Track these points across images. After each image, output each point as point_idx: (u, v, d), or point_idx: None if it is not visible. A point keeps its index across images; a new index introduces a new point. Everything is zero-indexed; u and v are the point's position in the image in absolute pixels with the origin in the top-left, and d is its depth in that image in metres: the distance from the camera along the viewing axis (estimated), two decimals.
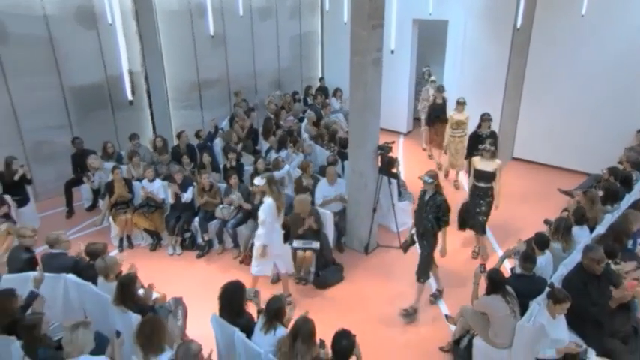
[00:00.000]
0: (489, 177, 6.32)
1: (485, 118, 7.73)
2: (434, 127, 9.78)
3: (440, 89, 9.70)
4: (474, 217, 6.52)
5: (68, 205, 8.09)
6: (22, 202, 7.32)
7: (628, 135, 8.25)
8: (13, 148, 7.96)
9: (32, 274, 4.77)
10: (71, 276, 4.92)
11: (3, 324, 3.97)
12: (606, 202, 5.98)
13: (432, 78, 10.45)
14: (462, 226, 6.63)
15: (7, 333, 3.98)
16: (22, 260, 5.15)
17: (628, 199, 6.02)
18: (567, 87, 8.97)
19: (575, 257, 4.83)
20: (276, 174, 7.30)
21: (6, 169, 7.21)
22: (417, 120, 11.62)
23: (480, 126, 7.82)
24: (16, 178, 7.19)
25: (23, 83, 8.08)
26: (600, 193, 6.04)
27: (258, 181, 5.77)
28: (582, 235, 5.29)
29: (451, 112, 8.71)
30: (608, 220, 5.48)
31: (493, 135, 7.59)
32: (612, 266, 4.59)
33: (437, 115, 9.56)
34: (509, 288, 4.42)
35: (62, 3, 8.27)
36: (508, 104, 9.34)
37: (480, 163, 6.40)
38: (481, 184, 6.40)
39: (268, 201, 5.47)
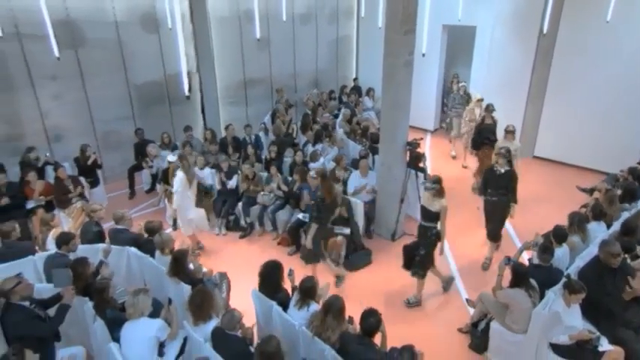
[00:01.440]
0: (432, 217, 5.10)
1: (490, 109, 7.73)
2: (482, 151, 7.81)
3: (489, 109, 7.94)
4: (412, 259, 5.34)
5: (130, 187, 8.34)
6: (94, 183, 7.59)
7: None
8: (86, 137, 8.29)
9: (101, 245, 5.01)
10: (133, 249, 5.09)
11: (79, 287, 4.15)
12: (624, 200, 5.74)
13: (462, 83, 9.76)
14: (405, 266, 5.47)
15: (82, 294, 4.19)
16: (93, 233, 5.36)
17: None
18: (589, 90, 8.56)
19: (591, 250, 4.67)
20: (312, 165, 7.35)
21: (81, 155, 7.52)
22: (441, 128, 11.36)
23: (484, 118, 7.82)
24: (89, 162, 7.52)
25: (96, 81, 8.36)
26: (619, 192, 5.79)
27: (171, 157, 6.50)
28: (599, 231, 5.11)
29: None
30: (625, 217, 5.26)
31: (437, 180, 5.16)
32: (629, 261, 4.41)
33: (486, 137, 7.76)
34: (532, 281, 4.31)
35: (130, 10, 8.50)
36: (531, 105, 9.02)
37: (424, 198, 5.37)
38: (423, 222, 5.24)
39: (180, 174, 6.10)
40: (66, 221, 6.49)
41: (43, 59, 7.41)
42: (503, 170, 5.77)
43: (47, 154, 7.53)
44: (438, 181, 5.04)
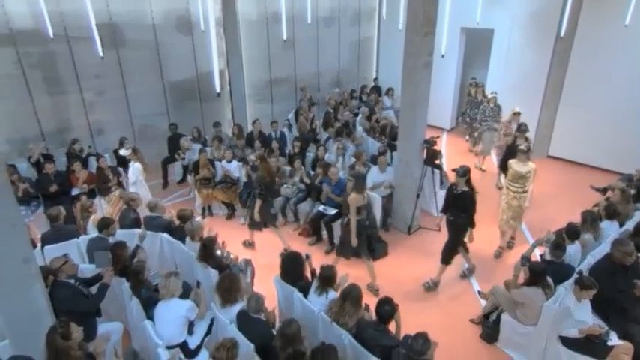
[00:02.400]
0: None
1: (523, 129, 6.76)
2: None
3: (522, 129, 6.77)
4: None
5: (164, 178, 8.48)
6: None
7: None
8: (125, 130, 8.49)
9: (137, 231, 5.11)
10: (165, 235, 5.18)
11: (117, 268, 4.27)
12: (638, 200, 5.56)
13: (493, 94, 8.48)
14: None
15: (120, 275, 4.31)
16: (130, 220, 5.48)
17: None
18: (604, 92, 8.26)
19: (603, 248, 4.56)
20: (327, 156, 7.47)
21: (120, 147, 7.68)
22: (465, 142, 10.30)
23: (516, 138, 6.75)
24: (126, 154, 7.69)
25: (134, 79, 8.54)
26: (632, 192, 5.60)
27: (124, 151, 6.71)
28: (611, 229, 4.98)
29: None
30: (638, 216, 5.13)
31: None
32: None
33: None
34: (548, 279, 4.23)
35: (166, 14, 8.63)
36: (546, 107, 8.77)
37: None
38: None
39: (136, 165, 6.47)
40: (102, 208, 6.68)
41: (89, 59, 7.62)
42: (460, 190, 5.13)
43: (89, 147, 7.76)
44: (466, 171, 5.08)
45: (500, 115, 8.41)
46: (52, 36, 6.85)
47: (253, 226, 6.31)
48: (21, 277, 3.31)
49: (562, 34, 7.45)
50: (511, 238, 6.38)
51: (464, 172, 5.08)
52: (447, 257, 5.42)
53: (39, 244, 4.93)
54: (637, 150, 7.76)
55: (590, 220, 4.94)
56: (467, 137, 10.21)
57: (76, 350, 3.25)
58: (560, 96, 8.82)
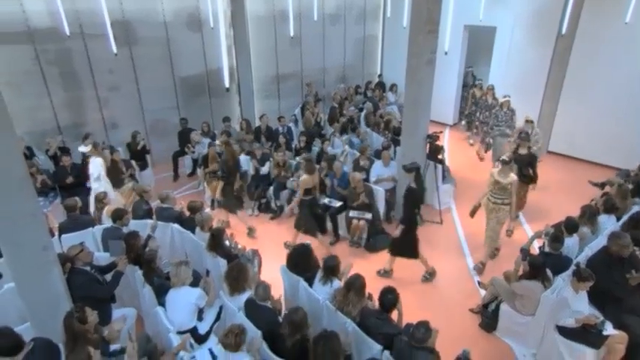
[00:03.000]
0: None
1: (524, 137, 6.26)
2: None
3: (522, 136, 6.16)
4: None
5: (175, 171, 8.51)
6: (143, 166, 7.80)
7: None
8: (137, 124, 8.53)
9: (149, 221, 5.15)
10: (176, 225, 5.21)
11: (130, 257, 4.30)
12: (636, 194, 5.52)
13: (507, 97, 7.84)
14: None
15: (133, 263, 4.35)
16: (143, 210, 5.53)
17: None
18: (604, 89, 8.17)
19: (600, 241, 4.53)
20: (330, 149, 7.52)
21: (132, 141, 7.75)
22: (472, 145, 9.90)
23: (518, 146, 6.22)
24: (139, 148, 7.74)
25: (146, 75, 8.55)
26: (630, 187, 5.56)
27: (83, 148, 6.61)
28: (609, 223, 4.96)
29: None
30: (635, 211, 5.06)
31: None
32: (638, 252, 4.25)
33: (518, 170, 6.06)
34: (548, 272, 4.22)
35: (177, 12, 8.61)
36: (547, 103, 8.67)
37: None
38: None
39: (97, 159, 6.26)
40: (116, 199, 6.71)
41: (103, 55, 7.65)
42: (407, 186, 5.02)
43: (104, 140, 7.81)
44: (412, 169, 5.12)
45: (514, 120, 7.74)
46: (68, 33, 6.87)
47: (223, 205, 6.68)
48: (40, 264, 3.37)
49: (563, 31, 7.35)
50: (507, 230, 6.34)
51: (409, 169, 5.05)
52: (413, 253, 5.33)
53: (56, 233, 4.98)
54: (636, 146, 7.67)
55: (589, 214, 4.93)
56: (471, 141, 9.91)
57: (92, 334, 3.31)
58: (561, 92, 8.72)
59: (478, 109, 9.19)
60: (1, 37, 6.85)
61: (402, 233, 5.20)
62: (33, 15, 7.10)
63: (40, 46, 7.28)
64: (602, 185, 6.38)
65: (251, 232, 6.57)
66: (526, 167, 6.01)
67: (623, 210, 5.22)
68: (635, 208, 5.16)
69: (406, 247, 5.31)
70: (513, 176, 5.29)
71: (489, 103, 8.72)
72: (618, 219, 5.06)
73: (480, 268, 5.65)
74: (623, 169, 6.96)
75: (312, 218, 5.93)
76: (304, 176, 5.75)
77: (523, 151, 5.99)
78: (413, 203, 5.15)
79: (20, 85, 7.19)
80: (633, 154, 7.21)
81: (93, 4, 6.88)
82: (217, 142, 7.49)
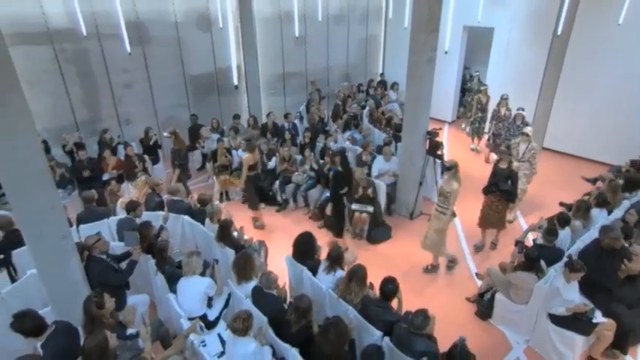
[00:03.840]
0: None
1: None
2: (488, 198, 5.63)
3: (503, 151, 5.66)
4: None
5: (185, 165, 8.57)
6: (155, 161, 7.82)
7: None
8: (149, 120, 8.56)
9: (161, 213, 5.19)
10: (187, 217, 5.24)
11: (144, 246, 4.36)
12: (626, 189, 5.49)
13: (520, 111, 7.20)
14: None
15: (146, 253, 4.40)
16: (155, 203, 5.55)
17: None
18: (597, 88, 8.10)
19: (592, 234, 4.54)
20: (332, 145, 7.52)
21: (145, 136, 7.77)
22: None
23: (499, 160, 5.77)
24: (151, 143, 7.76)
25: (158, 73, 8.56)
26: (621, 182, 5.54)
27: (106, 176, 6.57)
28: (601, 217, 4.95)
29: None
30: (625, 205, 5.07)
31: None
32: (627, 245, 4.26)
33: (494, 183, 5.51)
34: (542, 264, 4.23)
35: (187, 12, 8.59)
36: (542, 101, 8.61)
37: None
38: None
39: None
40: (128, 191, 6.76)
41: (117, 55, 7.65)
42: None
43: (118, 136, 7.85)
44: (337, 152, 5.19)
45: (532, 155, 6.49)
46: (85, 34, 6.88)
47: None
48: (60, 252, 3.42)
49: (559, 32, 7.28)
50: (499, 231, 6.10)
51: (334, 153, 5.40)
52: (338, 230, 5.75)
53: (74, 224, 5.02)
54: (627, 143, 7.61)
55: (584, 208, 4.93)
56: (472, 145, 9.31)
57: (109, 318, 3.37)
58: (556, 91, 8.66)
59: (493, 122, 8.10)
60: (23, 37, 6.87)
61: (331, 211, 5.78)
62: (52, 16, 7.12)
63: (58, 46, 7.31)
64: (594, 181, 6.36)
65: (255, 221, 6.61)
66: (504, 182, 5.41)
67: (614, 204, 5.21)
68: (625, 203, 5.15)
69: (334, 223, 5.70)
70: (455, 185, 4.90)
71: (502, 114, 7.96)
72: (609, 213, 5.05)
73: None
74: (614, 165, 6.93)
75: (255, 193, 6.38)
76: (246, 155, 6.11)
77: (503, 165, 5.50)
78: (339, 184, 5.55)
79: (40, 84, 7.22)
80: (624, 151, 7.16)
81: (108, 5, 6.88)
82: (225, 138, 7.58)
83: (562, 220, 4.67)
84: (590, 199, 5.29)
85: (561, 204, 5.77)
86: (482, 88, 9.13)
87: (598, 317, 3.95)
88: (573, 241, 4.65)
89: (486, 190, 5.65)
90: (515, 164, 5.69)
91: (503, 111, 8.01)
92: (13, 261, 4.44)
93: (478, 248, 5.92)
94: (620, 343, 4.04)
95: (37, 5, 6.94)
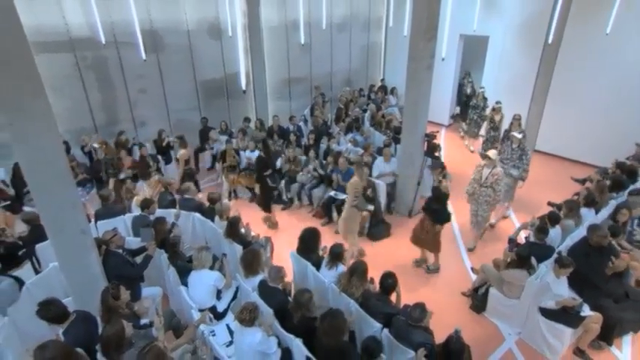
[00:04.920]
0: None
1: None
2: (423, 217, 5.20)
3: (434, 165, 5.60)
4: None
5: (195, 165, 8.44)
6: (167, 161, 7.86)
7: (636, 134, 7.33)
8: (163, 123, 8.59)
9: (173, 210, 5.21)
10: (197, 214, 5.26)
11: (157, 240, 4.39)
12: (612, 190, 5.51)
13: (521, 133, 6.16)
14: None
15: (159, 247, 4.42)
16: (168, 201, 5.61)
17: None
18: (587, 94, 8.11)
19: (580, 232, 4.53)
20: (336, 147, 7.51)
21: (158, 138, 7.81)
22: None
23: (511, 124, 6.63)
24: (164, 144, 7.82)
25: (171, 78, 8.60)
26: (608, 183, 5.55)
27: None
28: (589, 216, 4.96)
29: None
30: (613, 205, 5.08)
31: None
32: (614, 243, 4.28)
33: (427, 202, 5.08)
34: (533, 261, 4.23)
35: (199, 21, 8.62)
36: (534, 106, 8.56)
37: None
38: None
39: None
40: (142, 190, 6.80)
41: (133, 61, 7.69)
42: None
43: (134, 137, 7.90)
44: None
45: (525, 159, 6.07)
46: (103, 42, 6.95)
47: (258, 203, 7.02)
48: (79, 247, 3.46)
49: (550, 41, 7.28)
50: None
51: (257, 141, 6.22)
52: (266, 206, 6.37)
53: (93, 220, 5.06)
54: (614, 145, 7.61)
55: (577, 208, 4.96)
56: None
57: (124, 308, 3.40)
58: (547, 96, 8.64)
59: (503, 144, 6.85)
60: (47, 46, 6.96)
61: (259, 190, 6.41)
62: (74, 26, 7.20)
63: (79, 53, 7.38)
64: (583, 181, 6.34)
65: (268, 221, 6.60)
66: (435, 202, 4.97)
67: (601, 204, 5.21)
68: (612, 203, 5.16)
69: (262, 201, 6.32)
70: (355, 179, 5.13)
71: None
72: (597, 212, 5.05)
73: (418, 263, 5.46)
74: (601, 166, 6.91)
75: (270, 195, 6.61)
76: (182, 151, 6.59)
77: (435, 183, 5.16)
78: (262, 168, 6.32)
79: (62, 89, 7.30)
80: (611, 153, 7.17)
81: (125, 15, 6.94)
82: (234, 139, 7.61)
83: (553, 219, 4.67)
84: (579, 199, 5.28)
85: (549, 204, 5.75)
86: (496, 105, 8.25)
87: (586, 311, 3.96)
88: (563, 239, 4.64)
89: (423, 208, 5.19)
90: (444, 184, 4.91)
91: (504, 132, 7.03)
92: (37, 254, 4.50)
93: (418, 263, 5.48)
94: (606, 335, 4.05)
95: (61, 16, 7.03)
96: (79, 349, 2.88)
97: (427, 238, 5.14)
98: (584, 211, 5.02)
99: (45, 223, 3.38)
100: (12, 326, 3.52)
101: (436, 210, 4.92)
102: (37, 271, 4.42)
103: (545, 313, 4.01)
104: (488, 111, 8.49)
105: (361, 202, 5.26)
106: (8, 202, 5.87)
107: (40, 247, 4.45)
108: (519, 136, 5.85)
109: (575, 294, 4.07)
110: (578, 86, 8.17)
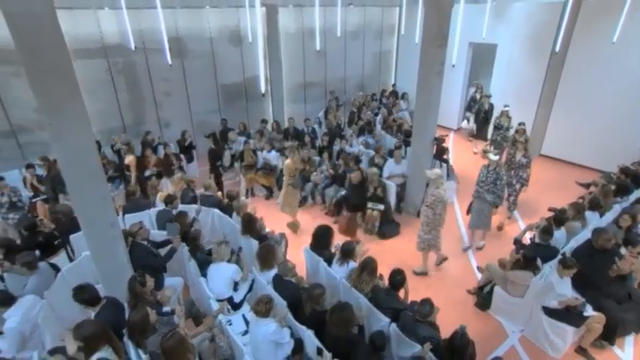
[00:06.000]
0: None
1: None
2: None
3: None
4: None
5: (216, 164, 8.69)
6: (190, 159, 7.99)
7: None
8: (186, 124, 8.76)
9: (194, 206, 5.28)
10: (216, 210, 5.33)
11: (180, 233, 4.44)
12: (617, 194, 5.39)
13: (522, 125, 6.13)
14: None
15: (181, 240, 4.45)
16: (190, 197, 5.69)
17: (636, 193, 5.40)
18: (592, 101, 7.89)
19: (585, 234, 4.44)
20: (348, 148, 7.50)
21: (181, 138, 7.95)
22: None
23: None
24: (187, 144, 7.95)
25: (194, 82, 8.75)
26: (613, 187, 5.43)
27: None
28: (593, 219, 4.86)
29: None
30: (617, 209, 4.97)
31: None
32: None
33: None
34: (539, 262, 4.16)
35: (221, 29, 8.75)
36: (541, 111, 8.44)
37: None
38: None
39: None
40: (166, 186, 6.93)
41: (160, 66, 7.87)
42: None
43: (159, 137, 8.06)
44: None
45: (499, 187, 5.35)
46: (133, 48, 7.13)
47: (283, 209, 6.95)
48: (109, 238, 3.56)
49: (557, 49, 7.13)
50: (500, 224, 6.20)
51: (208, 135, 6.68)
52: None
53: (120, 213, 5.17)
54: (618, 151, 7.40)
55: (582, 210, 4.89)
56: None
57: (149, 296, 3.49)
58: (553, 103, 8.49)
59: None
60: (83, 52, 7.22)
61: (214, 179, 6.65)
62: (107, 34, 7.43)
63: (111, 59, 7.61)
64: (587, 185, 6.19)
65: (293, 225, 6.38)
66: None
67: (605, 207, 5.10)
68: (616, 207, 5.04)
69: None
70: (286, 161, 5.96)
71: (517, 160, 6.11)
72: (601, 215, 4.94)
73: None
74: (606, 171, 6.73)
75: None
76: (130, 157, 6.65)
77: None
78: (213, 158, 6.81)
79: (95, 92, 7.52)
80: (616, 158, 6.97)
81: (154, 24, 7.08)
82: (251, 140, 7.66)
83: (558, 221, 4.59)
84: (583, 203, 5.17)
85: (550, 209, 5.47)
86: (504, 109, 7.65)
87: (589, 311, 3.88)
88: (568, 241, 4.56)
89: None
90: (440, 189, 4.67)
91: (518, 156, 6.15)
92: (71, 244, 4.65)
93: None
94: (609, 334, 3.96)
95: (96, 25, 7.28)
96: None
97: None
98: (588, 214, 4.93)
99: (78, 216, 3.49)
100: (49, 308, 3.65)
101: None
102: (71, 259, 4.56)
103: (549, 311, 3.94)
104: (512, 132, 7.11)
105: (295, 181, 6.10)
106: (45, 197, 6.07)
107: (74, 238, 4.58)
108: (495, 157, 5.31)
109: (578, 294, 3.98)
110: (583, 93, 7.97)
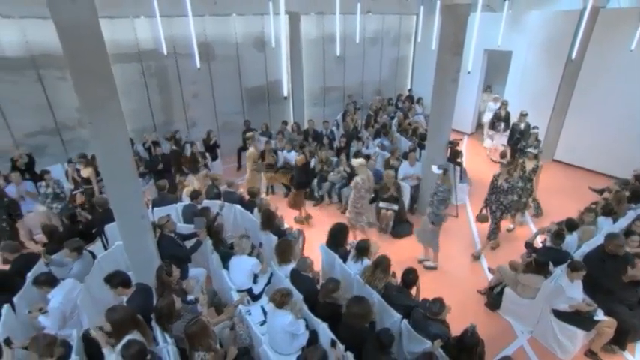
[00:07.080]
0: None
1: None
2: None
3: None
4: None
5: (238, 162, 8.73)
6: (214, 158, 8.09)
7: None
8: (211, 124, 8.90)
9: (217, 202, 5.29)
10: (238, 206, 5.36)
11: (205, 227, 4.47)
12: (631, 201, 5.16)
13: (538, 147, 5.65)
14: None
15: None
16: (214, 194, 5.76)
17: None
18: (607, 108, 7.58)
19: (597, 239, 4.29)
20: (364, 150, 7.48)
21: (207, 137, 8.09)
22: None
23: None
24: (212, 143, 8.08)
25: (220, 85, 8.87)
26: (627, 194, 5.20)
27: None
28: (606, 224, 4.70)
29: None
30: (631, 215, 4.76)
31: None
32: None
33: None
34: (550, 267, 4.03)
35: (246, 35, 8.85)
36: (555, 118, 8.16)
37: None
38: None
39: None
40: (192, 183, 7.04)
41: (189, 70, 8.04)
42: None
43: (186, 136, 8.23)
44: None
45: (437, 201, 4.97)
46: (165, 53, 7.31)
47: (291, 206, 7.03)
48: (139, 229, 3.66)
49: (573, 57, 6.86)
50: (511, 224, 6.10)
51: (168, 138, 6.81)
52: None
53: (150, 207, 5.28)
54: (632, 158, 7.10)
55: (596, 215, 4.77)
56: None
57: (175, 284, 3.57)
58: (568, 109, 8.18)
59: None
60: (121, 57, 7.47)
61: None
62: (142, 40, 7.65)
63: (145, 63, 7.83)
64: (600, 192, 5.94)
65: (307, 219, 6.55)
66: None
67: (619, 214, 4.90)
68: (630, 213, 4.84)
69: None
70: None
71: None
72: (614, 221, 4.76)
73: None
74: (620, 178, 6.44)
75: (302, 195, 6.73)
76: (89, 169, 6.27)
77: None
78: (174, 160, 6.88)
79: (129, 93, 7.75)
80: (629, 165, 6.66)
81: (184, 30, 7.27)
82: (273, 140, 7.72)
83: (569, 226, 4.45)
84: (597, 208, 4.97)
85: (591, 189, 5.54)
86: (523, 112, 7.16)
87: (599, 315, 3.74)
88: (579, 246, 4.42)
89: None
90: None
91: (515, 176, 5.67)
92: (106, 233, 4.81)
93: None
94: (620, 339, 3.81)
95: (133, 32, 7.51)
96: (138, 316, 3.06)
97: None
98: (601, 219, 4.77)
99: (113, 208, 3.60)
100: (87, 291, 3.79)
101: None
102: (105, 248, 4.72)
103: (558, 314, 3.82)
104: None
105: (259, 167, 6.79)
106: (81, 190, 6.30)
107: (108, 228, 4.74)
108: (438, 171, 4.79)
109: (588, 298, 3.84)
110: (598, 99, 7.66)
